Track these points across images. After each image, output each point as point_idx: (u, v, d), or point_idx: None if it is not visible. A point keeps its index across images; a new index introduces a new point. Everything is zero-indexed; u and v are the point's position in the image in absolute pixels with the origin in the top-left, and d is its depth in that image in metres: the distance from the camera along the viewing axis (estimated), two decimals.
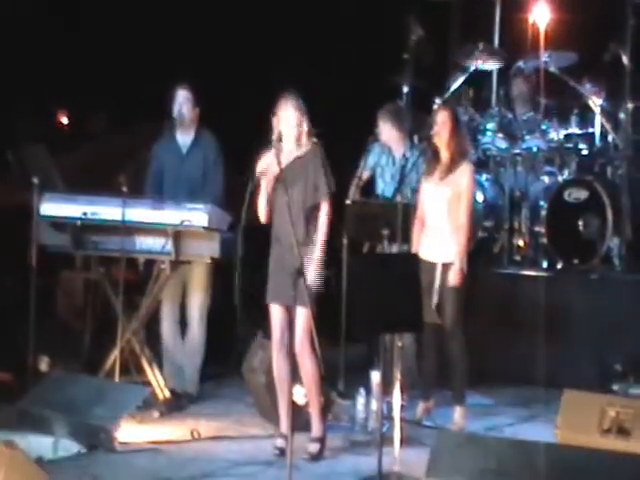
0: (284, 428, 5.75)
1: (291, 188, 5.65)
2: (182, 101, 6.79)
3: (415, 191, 6.72)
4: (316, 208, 5.77)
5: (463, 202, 6.26)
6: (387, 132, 7.40)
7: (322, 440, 5.82)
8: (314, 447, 5.78)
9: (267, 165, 5.72)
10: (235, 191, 6.83)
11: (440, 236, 6.28)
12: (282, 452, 5.58)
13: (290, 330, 5.75)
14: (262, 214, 5.86)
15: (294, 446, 5.38)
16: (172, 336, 6.91)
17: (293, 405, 5.56)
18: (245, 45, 8.88)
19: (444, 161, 6.30)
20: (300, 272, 5.29)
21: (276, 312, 5.78)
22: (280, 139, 5.75)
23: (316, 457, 5.75)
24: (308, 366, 5.76)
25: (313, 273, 5.69)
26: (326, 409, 5.98)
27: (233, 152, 6.87)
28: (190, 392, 6.85)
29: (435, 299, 6.23)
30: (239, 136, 7.25)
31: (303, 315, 5.69)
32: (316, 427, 5.84)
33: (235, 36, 8.98)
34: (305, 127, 5.79)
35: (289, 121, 5.76)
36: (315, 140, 5.82)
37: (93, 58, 8.54)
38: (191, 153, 6.88)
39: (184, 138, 6.90)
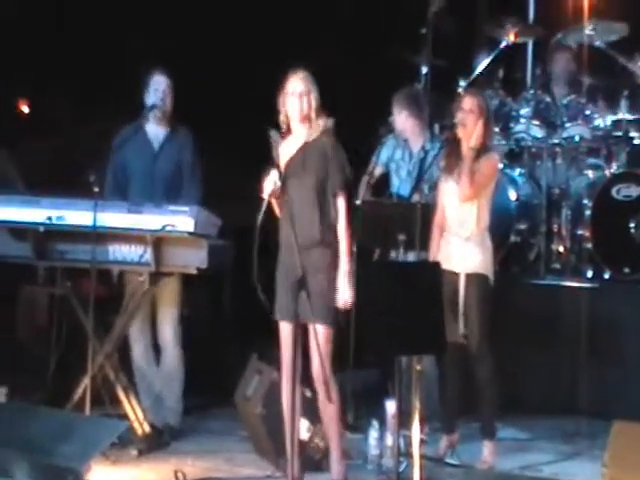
0: (288, 468, 5.67)
1: (299, 180, 5.68)
2: (165, 89, 6.85)
3: (435, 189, 6.72)
4: (332, 204, 5.73)
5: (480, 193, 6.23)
6: (403, 121, 7.45)
7: None
8: None
9: (274, 182, 5.63)
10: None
11: (464, 242, 6.30)
12: None
13: (305, 352, 5.66)
14: None
15: None
16: (146, 361, 6.94)
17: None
18: (235, 17, 8.99)
19: (467, 156, 6.28)
20: (302, 283, 5.32)
21: (285, 331, 5.71)
22: (287, 123, 5.76)
23: None
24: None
25: (341, 286, 5.65)
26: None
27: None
28: (172, 424, 6.87)
29: (460, 316, 6.24)
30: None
31: (321, 334, 5.60)
32: (336, 469, 5.80)
33: (222, 7, 9.07)
34: (315, 107, 5.76)
35: (296, 101, 5.74)
36: (328, 122, 5.79)
37: (58, 41, 8.59)
38: (165, 150, 6.89)
39: (156, 132, 6.90)
